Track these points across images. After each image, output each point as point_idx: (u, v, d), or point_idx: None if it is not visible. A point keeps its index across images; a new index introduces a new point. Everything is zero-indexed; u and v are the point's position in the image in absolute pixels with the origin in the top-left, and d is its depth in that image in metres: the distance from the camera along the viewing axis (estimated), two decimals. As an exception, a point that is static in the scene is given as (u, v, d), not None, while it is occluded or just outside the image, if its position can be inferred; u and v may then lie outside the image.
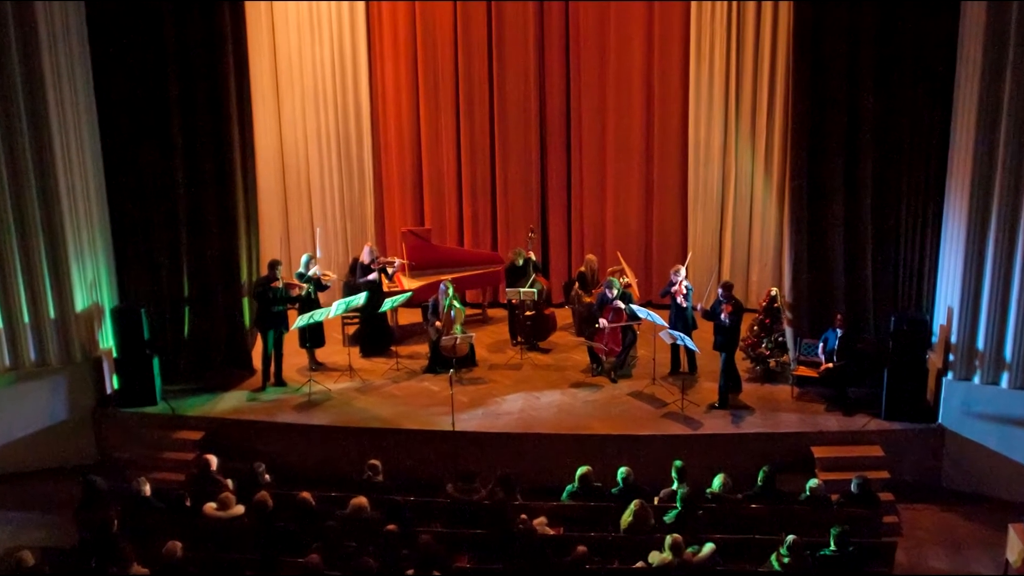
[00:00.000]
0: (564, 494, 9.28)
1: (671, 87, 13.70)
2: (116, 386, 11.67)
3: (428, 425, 10.92)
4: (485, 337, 13.41)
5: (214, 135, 11.67)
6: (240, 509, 8.83)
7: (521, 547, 8.24)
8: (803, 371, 11.34)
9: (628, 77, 13.78)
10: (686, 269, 11.97)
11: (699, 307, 11.50)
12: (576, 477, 9.25)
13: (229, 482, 9.44)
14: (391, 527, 8.19)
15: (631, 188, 14.16)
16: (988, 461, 10.49)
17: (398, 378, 12.20)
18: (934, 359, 11.02)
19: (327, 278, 12.41)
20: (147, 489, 9.10)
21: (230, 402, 11.63)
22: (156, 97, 11.46)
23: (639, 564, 8.15)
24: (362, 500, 8.61)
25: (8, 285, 10.92)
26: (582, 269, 13.28)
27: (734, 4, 13.18)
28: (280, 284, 11.73)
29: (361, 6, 13.80)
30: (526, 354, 12.76)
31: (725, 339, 11.15)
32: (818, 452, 10.44)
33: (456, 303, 12.18)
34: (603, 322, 11.80)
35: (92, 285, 11.48)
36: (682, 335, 11.14)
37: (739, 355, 11.65)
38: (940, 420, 10.71)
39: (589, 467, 9.32)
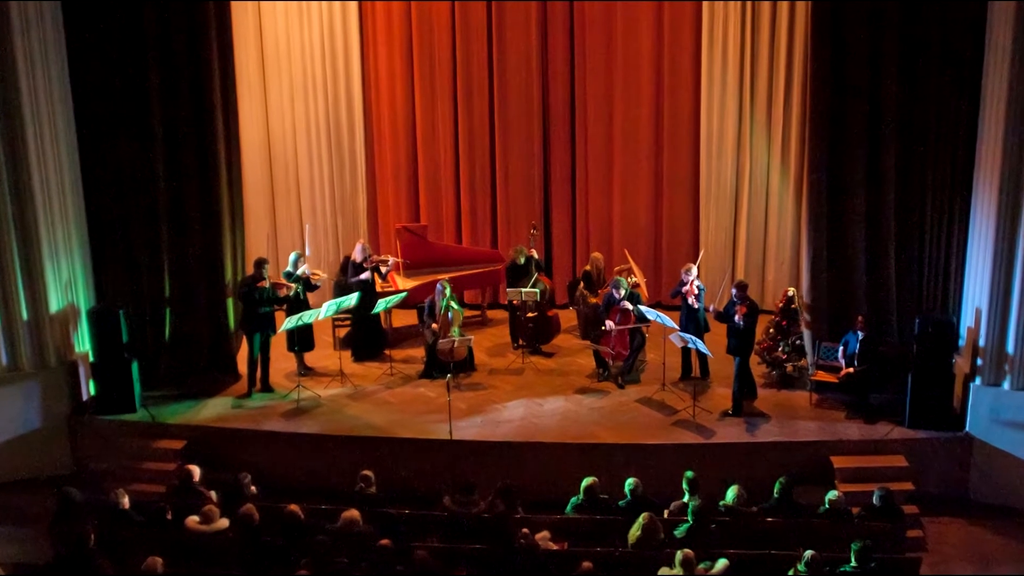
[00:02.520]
0: (568, 507, 9.29)
1: (682, 74, 13.71)
2: (93, 392, 11.68)
3: (424, 434, 10.93)
4: (484, 340, 13.43)
5: (197, 126, 11.69)
6: (224, 523, 8.84)
7: (523, 563, 8.25)
8: (822, 376, 11.35)
9: (636, 63, 13.79)
10: (698, 268, 11.98)
11: (712, 308, 11.50)
12: (581, 489, 9.26)
13: (213, 494, 9.45)
14: (385, 542, 8.20)
15: (639, 182, 14.17)
16: (1018, 471, 10.49)
17: (392, 384, 12.22)
18: (961, 363, 11.02)
19: (317, 277, 12.43)
20: (125, 501, 9.11)
21: (214, 409, 11.64)
22: (135, 85, 11.48)
23: (648, 581, 8.17)
24: (354, 513, 8.62)
25: (-22, 285, 10.96)
26: (587, 268, 13.29)
27: (749, -14, 13.22)
28: (267, 284, 11.74)
29: (353, -11, 13.86)
30: (528, 358, 12.78)
31: (739, 342, 11.17)
32: (838, 462, 10.45)
33: (454, 304, 12.19)
34: (610, 324, 11.81)
35: (67, 285, 11.49)
36: (694, 338, 11.15)
37: (754, 359, 11.67)
38: (967, 428, 10.71)
39: (595, 478, 9.33)
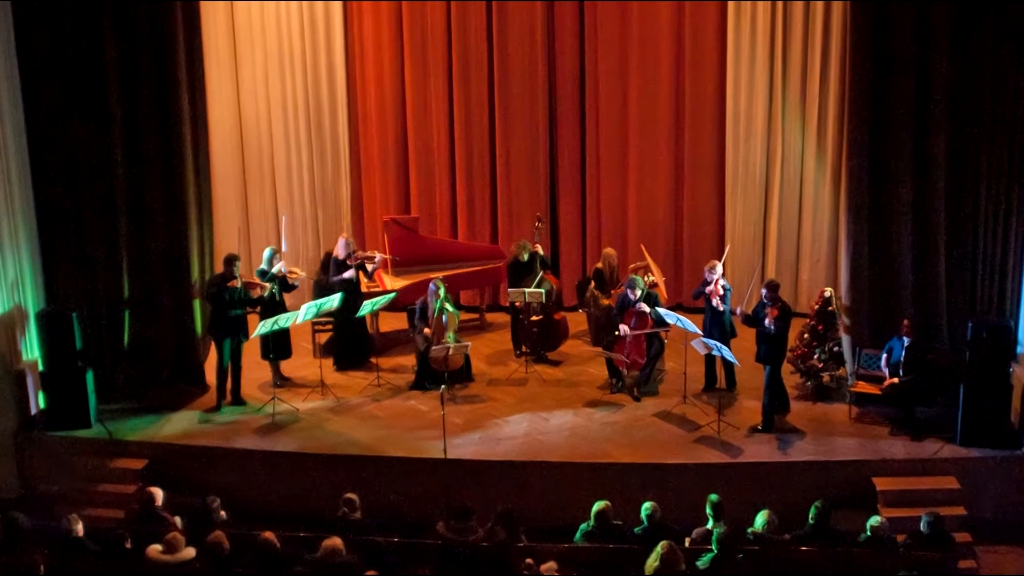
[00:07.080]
0: (577, 534, 9.31)
1: (706, 46, 13.72)
2: (42, 405, 11.71)
3: (415, 452, 10.94)
4: (483, 347, 13.44)
5: (159, 106, 11.69)
6: (191, 552, 8.84)
7: (526, 598, 8.27)
8: (863, 387, 11.36)
9: (654, 34, 13.80)
10: (723, 266, 11.98)
11: (739, 311, 11.52)
12: (592, 514, 9.27)
13: (177, 520, 9.47)
14: (371, 574, 8.21)
15: (658, 168, 14.18)
16: (1084, 495, 10.51)
17: (379, 396, 12.23)
18: (1019, 373, 11.03)
19: (294, 276, 12.43)
20: (79, 528, 9.12)
21: (178, 424, 11.66)
22: (90, 60, 11.49)
23: (667, 618, 8.17)
24: (336, 541, 8.62)
25: (-86, 285, 11.00)
26: (599, 266, 13.30)
27: (781, -51, 13.23)
28: (238, 283, 11.74)
29: (335, -49, 13.88)
30: (532, 367, 12.79)
31: (770, 349, 11.17)
32: (881, 484, 10.46)
33: (448, 306, 12.20)
34: (624, 329, 11.82)
35: (13, 285, 11.50)
36: (719, 344, 11.16)
37: (787, 368, 11.68)
38: (1027, 446, 10.75)
39: (607, 502, 9.33)
